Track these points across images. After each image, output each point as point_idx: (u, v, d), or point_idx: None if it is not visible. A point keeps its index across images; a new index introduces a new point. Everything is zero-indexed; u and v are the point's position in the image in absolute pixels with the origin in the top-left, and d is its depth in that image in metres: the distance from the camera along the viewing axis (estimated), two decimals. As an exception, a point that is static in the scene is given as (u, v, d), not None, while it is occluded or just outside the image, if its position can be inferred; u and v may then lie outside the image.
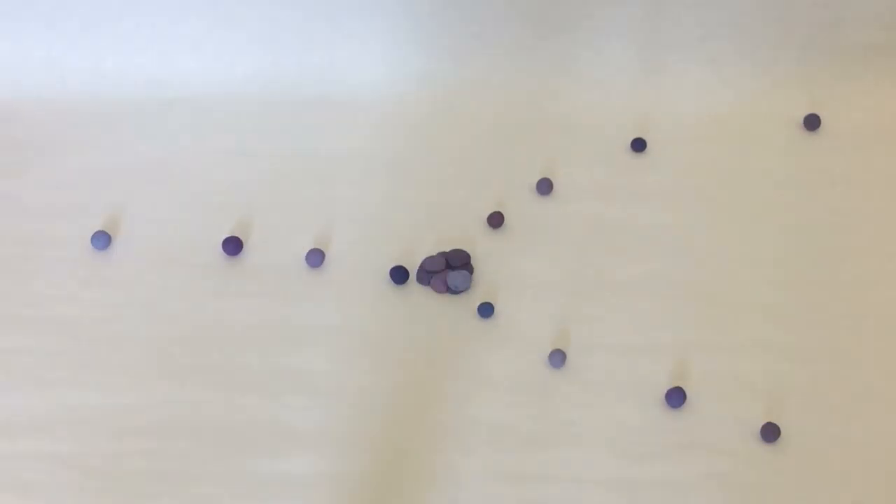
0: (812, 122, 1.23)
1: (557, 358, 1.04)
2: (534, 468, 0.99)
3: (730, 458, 0.99)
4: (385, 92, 1.28)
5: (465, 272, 1.10)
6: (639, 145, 1.22)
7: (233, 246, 1.12)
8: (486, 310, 1.08)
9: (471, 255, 1.13)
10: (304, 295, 1.11)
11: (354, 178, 1.21)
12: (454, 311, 1.10)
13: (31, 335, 1.07)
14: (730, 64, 1.28)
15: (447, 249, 1.14)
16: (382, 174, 1.22)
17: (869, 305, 1.11)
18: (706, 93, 1.28)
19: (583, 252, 1.15)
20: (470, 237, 1.16)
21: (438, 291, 1.10)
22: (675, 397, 1.02)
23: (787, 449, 1.00)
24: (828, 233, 1.17)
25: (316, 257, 1.11)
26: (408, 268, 1.12)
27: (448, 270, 1.10)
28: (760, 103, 1.28)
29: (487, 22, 1.26)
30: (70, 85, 1.27)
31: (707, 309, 1.10)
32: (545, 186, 1.19)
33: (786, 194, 1.20)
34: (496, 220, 1.16)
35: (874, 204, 1.20)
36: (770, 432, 1.00)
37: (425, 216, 1.18)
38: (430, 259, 1.11)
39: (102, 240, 1.10)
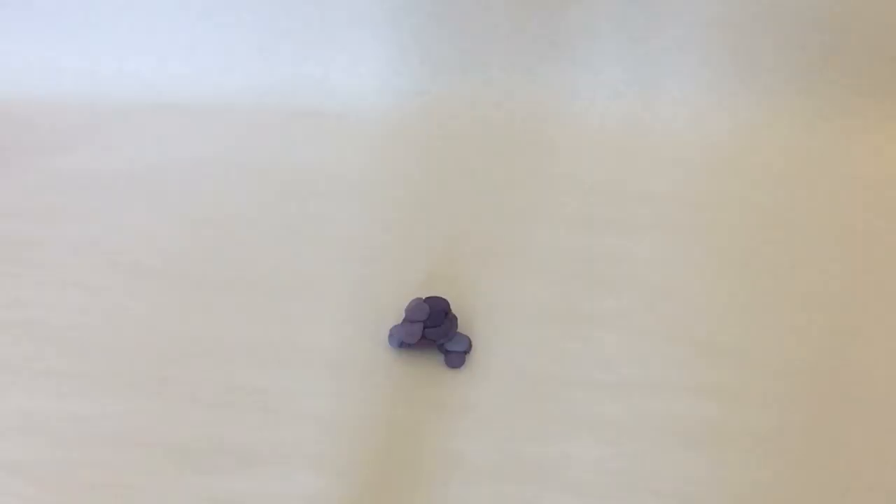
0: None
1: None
2: (489, 500, 0.96)
3: (683, 498, 0.96)
4: (377, 106, 1.27)
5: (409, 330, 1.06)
6: (455, 360, 1.06)
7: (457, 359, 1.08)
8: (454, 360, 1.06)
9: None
10: (275, 313, 1.09)
11: (340, 191, 1.21)
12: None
13: (-6, 338, 1.07)
14: (728, 90, 1.24)
15: (431, 289, 1.11)
16: (369, 188, 1.21)
17: (848, 358, 1.06)
18: (703, 119, 1.25)
19: (562, 282, 1.12)
20: (453, 256, 1.14)
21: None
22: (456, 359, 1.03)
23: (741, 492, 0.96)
24: (814, 274, 1.13)
25: (457, 359, 1.06)
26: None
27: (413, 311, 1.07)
28: (757, 131, 1.25)
29: (483, 39, 1.25)
30: (64, 87, 1.28)
31: (676, 348, 1.07)
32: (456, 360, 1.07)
33: (775, 230, 1.17)
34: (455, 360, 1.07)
35: (870, 246, 1.16)
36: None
37: (409, 232, 1.16)
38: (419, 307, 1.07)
39: None
